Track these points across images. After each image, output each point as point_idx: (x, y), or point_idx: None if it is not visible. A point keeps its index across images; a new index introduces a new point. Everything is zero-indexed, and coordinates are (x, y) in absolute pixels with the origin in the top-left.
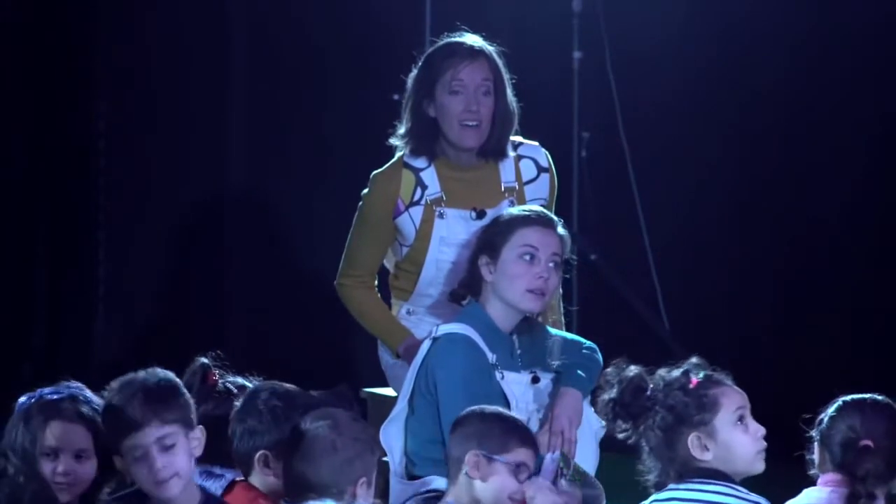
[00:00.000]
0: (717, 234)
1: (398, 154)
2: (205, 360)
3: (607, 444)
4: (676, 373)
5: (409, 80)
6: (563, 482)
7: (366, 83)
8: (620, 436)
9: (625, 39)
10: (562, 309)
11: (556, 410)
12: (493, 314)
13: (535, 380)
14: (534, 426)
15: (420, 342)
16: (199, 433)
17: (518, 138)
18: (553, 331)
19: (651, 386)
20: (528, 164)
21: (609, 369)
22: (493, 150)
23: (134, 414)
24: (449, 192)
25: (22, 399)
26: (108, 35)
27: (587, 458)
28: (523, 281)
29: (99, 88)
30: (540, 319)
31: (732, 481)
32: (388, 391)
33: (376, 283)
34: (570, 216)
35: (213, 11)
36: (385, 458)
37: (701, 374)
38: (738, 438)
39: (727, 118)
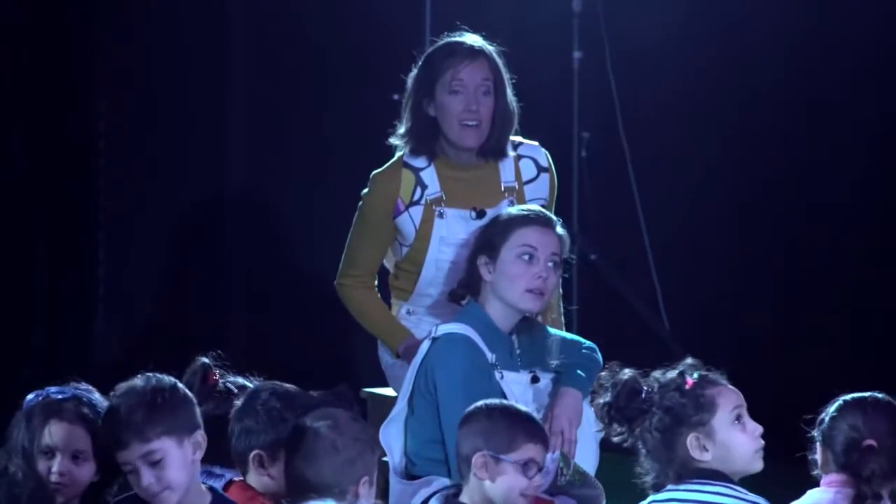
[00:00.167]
0: (717, 234)
1: (398, 154)
2: (205, 359)
3: (607, 445)
4: (672, 374)
5: (409, 80)
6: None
7: (366, 83)
8: (616, 439)
9: (625, 39)
10: (561, 308)
11: (555, 410)
12: (492, 314)
13: (535, 379)
14: None
15: (420, 342)
16: (199, 437)
17: (518, 138)
18: (552, 331)
19: (646, 388)
20: (527, 163)
21: (603, 373)
22: (493, 150)
23: (118, 432)
24: (449, 192)
25: (29, 397)
26: (108, 35)
27: (587, 458)
28: (522, 281)
29: (99, 88)
30: (539, 319)
31: (731, 481)
32: (388, 391)
33: (376, 283)
34: (570, 216)
35: (213, 11)
36: (385, 458)
37: (696, 375)
38: (736, 438)
39: (727, 118)
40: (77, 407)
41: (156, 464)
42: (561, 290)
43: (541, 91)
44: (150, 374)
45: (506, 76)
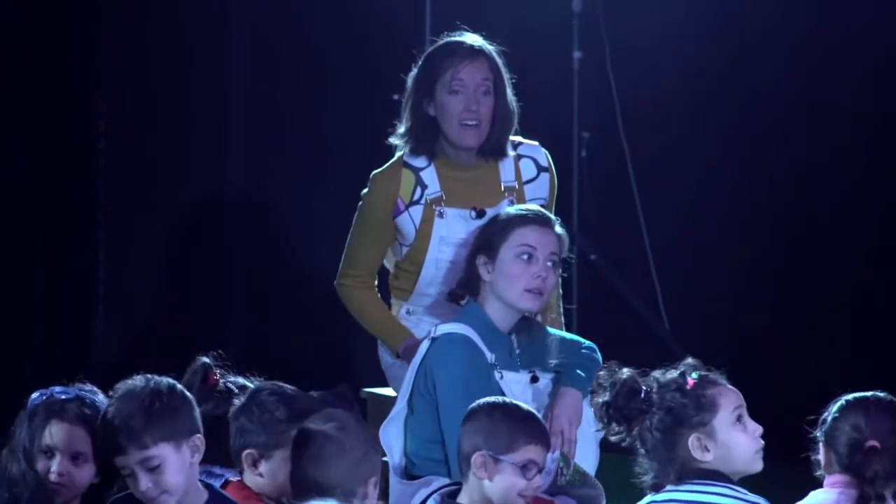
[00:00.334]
0: (717, 234)
1: (398, 153)
2: (206, 359)
3: (607, 445)
4: (672, 374)
5: (409, 80)
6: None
7: (366, 83)
8: (614, 438)
9: (625, 39)
10: (561, 308)
11: (555, 410)
12: (491, 314)
13: (534, 379)
14: None
15: (420, 342)
16: (197, 441)
17: (518, 138)
18: (552, 330)
19: (644, 388)
20: (527, 163)
21: (602, 372)
22: (493, 150)
23: (115, 437)
24: (449, 192)
25: (34, 396)
26: (108, 35)
27: (587, 458)
28: (521, 280)
29: (99, 88)
30: (539, 318)
31: (731, 482)
32: (388, 391)
33: (376, 283)
34: (570, 216)
35: (213, 11)
36: (385, 458)
37: (696, 375)
38: (737, 438)
39: (727, 118)
40: (79, 408)
41: (153, 469)
42: (560, 290)
43: (541, 91)
44: (149, 376)
45: (506, 76)
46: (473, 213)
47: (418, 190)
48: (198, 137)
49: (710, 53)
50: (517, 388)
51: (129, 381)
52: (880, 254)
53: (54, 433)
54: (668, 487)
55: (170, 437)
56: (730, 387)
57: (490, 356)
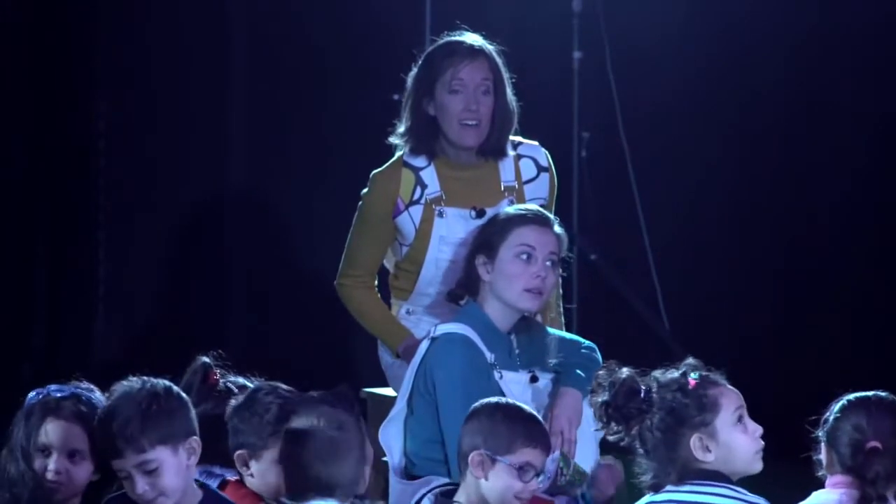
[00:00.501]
0: (717, 234)
1: (398, 153)
2: (206, 359)
3: (607, 445)
4: (674, 374)
5: (409, 79)
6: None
7: (366, 83)
8: (612, 438)
9: (625, 39)
10: (561, 308)
11: (555, 411)
12: (491, 314)
13: (534, 379)
14: None
15: (419, 342)
16: (194, 443)
17: (518, 138)
18: (551, 330)
19: (644, 388)
20: (527, 163)
21: (601, 372)
22: (493, 149)
23: (112, 441)
24: (448, 191)
25: (31, 395)
26: (108, 35)
27: (587, 458)
28: (521, 280)
29: (99, 88)
30: (539, 318)
31: (731, 482)
32: (388, 391)
33: (376, 283)
34: (570, 216)
35: (213, 11)
36: (385, 458)
37: (696, 375)
38: (738, 439)
39: (727, 118)
40: (75, 406)
41: (151, 472)
42: (560, 290)
43: (541, 91)
44: (145, 378)
45: (505, 76)
46: (473, 213)
47: (418, 189)
48: (198, 137)
49: (710, 53)
50: (517, 388)
51: (125, 383)
52: (880, 254)
53: (50, 431)
54: (668, 488)
55: (167, 441)
56: (730, 387)
57: (490, 356)
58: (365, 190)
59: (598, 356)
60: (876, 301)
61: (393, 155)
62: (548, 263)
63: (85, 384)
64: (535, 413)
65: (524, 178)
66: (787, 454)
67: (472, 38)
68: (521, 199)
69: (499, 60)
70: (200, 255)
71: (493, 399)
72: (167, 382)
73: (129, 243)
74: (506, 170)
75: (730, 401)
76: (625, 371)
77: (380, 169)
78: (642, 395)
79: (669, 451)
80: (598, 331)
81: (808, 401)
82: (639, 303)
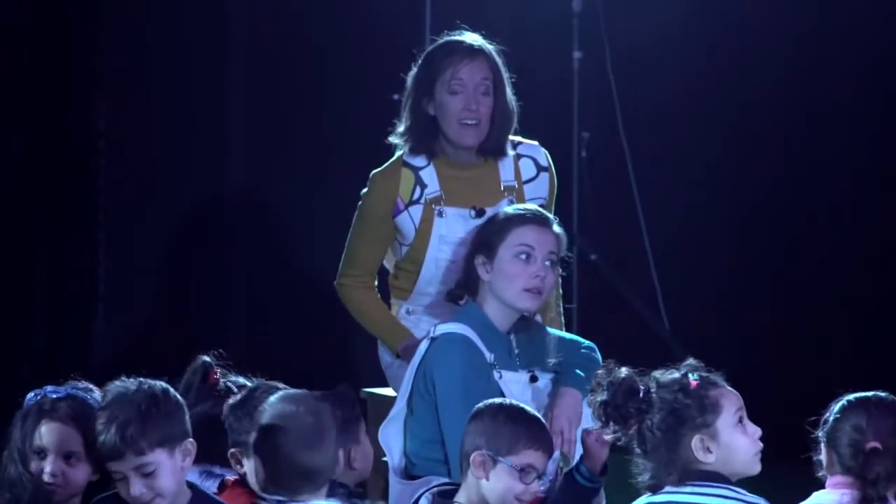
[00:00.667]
0: (717, 234)
1: (397, 153)
2: (206, 358)
3: None
4: (675, 374)
5: (409, 79)
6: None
7: (366, 83)
8: (608, 437)
9: (625, 39)
10: (561, 308)
11: (555, 411)
12: (490, 313)
13: (533, 379)
14: None
15: (419, 342)
16: (188, 445)
17: (517, 138)
18: (551, 330)
19: (642, 388)
20: (527, 163)
21: (600, 371)
22: (493, 149)
23: (111, 444)
24: (448, 191)
25: (29, 396)
26: (108, 35)
27: None
28: (520, 280)
29: (99, 88)
30: (538, 318)
31: (730, 483)
32: (388, 391)
33: (376, 283)
34: (570, 216)
35: (213, 11)
36: (385, 458)
37: (695, 376)
38: (738, 440)
39: (727, 118)
40: (71, 407)
41: (148, 474)
42: (560, 290)
43: (541, 91)
44: (141, 380)
45: (505, 75)
46: (473, 213)
47: (418, 189)
48: (198, 137)
49: (710, 53)
50: (516, 388)
51: (120, 384)
52: (880, 254)
53: (45, 433)
54: (668, 489)
55: (165, 443)
56: (730, 388)
57: (489, 356)
58: (365, 190)
59: (598, 356)
60: (876, 301)
61: (393, 155)
62: (547, 263)
63: (83, 384)
64: (538, 415)
65: (524, 178)
66: (787, 455)
67: (472, 38)
68: (521, 199)
69: (498, 60)
70: (200, 256)
71: (498, 400)
72: (164, 384)
73: (129, 243)
74: (505, 169)
75: (730, 402)
76: (624, 370)
77: (379, 169)
78: (641, 394)
79: (670, 451)
80: (598, 331)
81: (808, 401)
82: (639, 303)
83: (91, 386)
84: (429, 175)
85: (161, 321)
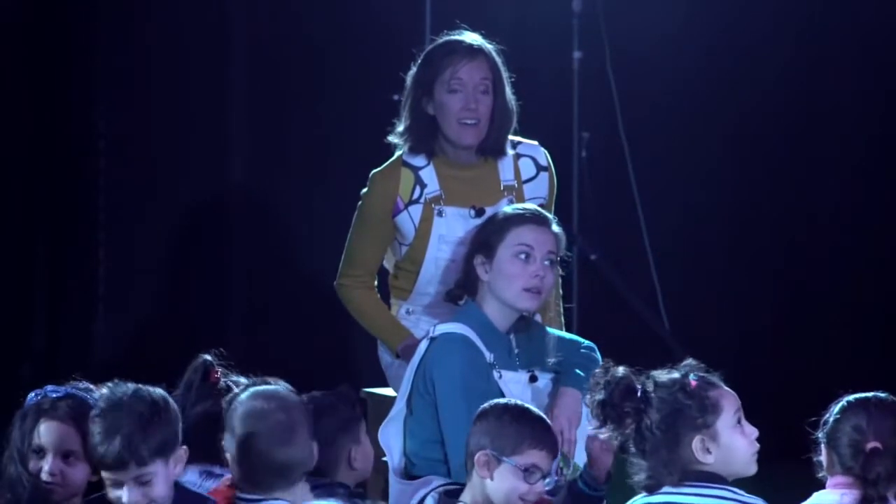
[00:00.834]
0: (717, 234)
1: (397, 152)
2: (207, 357)
3: None
4: (674, 374)
5: (409, 78)
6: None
7: (366, 83)
8: (604, 436)
9: (625, 39)
10: (560, 307)
11: (555, 411)
12: (489, 313)
13: (533, 379)
14: None
15: (419, 342)
16: (181, 452)
17: (517, 137)
18: (550, 330)
19: (640, 387)
20: (527, 162)
21: (597, 370)
22: (492, 149)
23: (113, 454)
24: (448, 191)
25: (30, 396)
26: (108, 35)
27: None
28: (519, 280)
29: (99, 88)
30: (538, 317)
31: (727, 483)
32: (388, 391)
33: (376, 283)
34: (570, 216)
35: (213, 11)
36: (385, 458)
37: (694, 376)
38: (737, 441)
39: (727, 118)
40: (70, 406)
41: (145, 483)
42: (560, 290)
43: (541, 91)
44: (139, 386)
45: (505, 75)
46: (473, 212)
47: (417, 189)
48: (198, 137)
49: (710, 53)
50: (516, 388)
51: (115, 389)
52: (880, 254)
53: (44, 432)
54: (666, 489)
55: (163, 453)
56: (728, 389)
57: (489, 356)
58: (364, 190)
59: (598, 356)
60: (876, 301)
61: (392, 155)
62: (546, 263)
63: (83, 384)
64: (543, 416)
65: (523, 178)
66: (787, 455)
67: (472, 38)
68: (521, 199)
69: (498, 60)
70: (200, 256)
71: (503, 400)
72: (162, 391)
73: (129, 243)
74: (505, 169)
75: (730, 403)
76: (621, 370)
77: (379, 168)
78: (639, 394)
79: (670, 451)
80: (598, 331)
81: (808, 401)
82: (639, 303)
83: (91, 386)
84: (428, 175)
85: (161, 321)
